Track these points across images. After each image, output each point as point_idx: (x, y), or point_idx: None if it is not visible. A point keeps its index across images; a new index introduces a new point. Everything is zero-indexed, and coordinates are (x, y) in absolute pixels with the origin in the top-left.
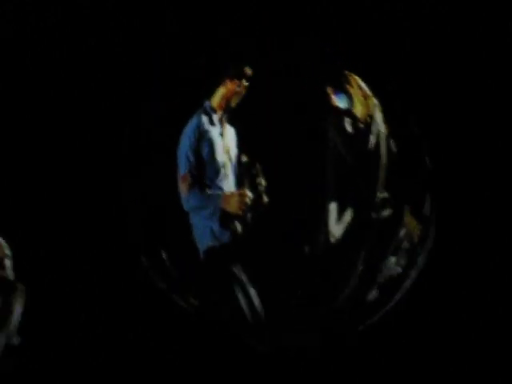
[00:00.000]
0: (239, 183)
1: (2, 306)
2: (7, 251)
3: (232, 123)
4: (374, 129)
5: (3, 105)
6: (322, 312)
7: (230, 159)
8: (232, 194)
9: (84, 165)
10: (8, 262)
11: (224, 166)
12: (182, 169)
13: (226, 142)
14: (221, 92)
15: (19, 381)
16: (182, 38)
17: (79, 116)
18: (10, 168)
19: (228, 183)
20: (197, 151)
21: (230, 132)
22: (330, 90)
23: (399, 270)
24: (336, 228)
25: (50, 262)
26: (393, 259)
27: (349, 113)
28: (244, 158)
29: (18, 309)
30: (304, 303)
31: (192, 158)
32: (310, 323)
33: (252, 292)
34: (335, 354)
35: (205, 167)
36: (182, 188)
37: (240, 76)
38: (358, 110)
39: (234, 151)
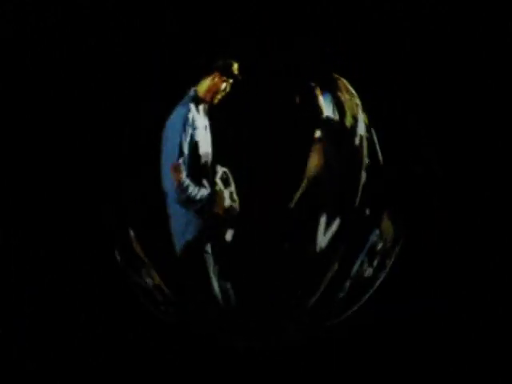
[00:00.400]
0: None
1: None
2: None
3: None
4: (357, 131)
5: (2, 104)
6: (295, 309)
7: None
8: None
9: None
10: None
11: (205, 164)
12: (174, 158)
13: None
14: (207, 83)
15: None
16: (181, 37)
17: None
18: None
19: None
20: (191, 141)
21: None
22: (318, 91)
23: (370, 271)
24: (322, 239)
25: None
26: (366, 261)
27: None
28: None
29: None
30: (279, 301)
31: (186, 148)
32: (282, 321)
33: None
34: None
35: (199, 158)
36: (174, 177)
37: (227, 72)
38: (345, 112)
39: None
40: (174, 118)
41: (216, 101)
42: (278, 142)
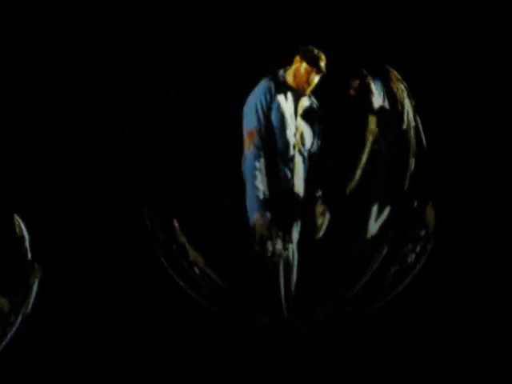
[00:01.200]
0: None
1: (21, 286)
2: (25, 232)
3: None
4: (405, 118)
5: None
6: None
7: (302, 150)
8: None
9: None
10: (27, 243)
11: (295, 149)
12: (250, 124)
13: (299, 125)
14: (292, 68)
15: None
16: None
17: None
18: (25, 151)
19: (297, 173)
20: (267, 114)
21: (308, 117)
22: (369, 79)
23: (413, 257)
24: (373, 226)
25: (65, 244)
26: (410, 247)
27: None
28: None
29: (34, 290)
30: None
31: (262, 119)
32: (330, 310)
33: (294, 273)
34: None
35: (274, 135)
36: (247, 142)
37: (310, 60)
38: (395, 100)
39: (308, 143)
40: (256, 92)
41: (307, 92)
42: (335, 130)
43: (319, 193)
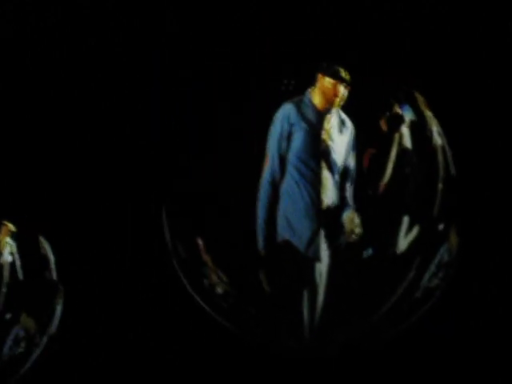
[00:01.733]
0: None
1: (47, 307)
2: (50, 253)
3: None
4: (434, 143)
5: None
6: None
7: (332, 160)
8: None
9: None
10: (52, 264)
11: (321, 165)
12: (270, 149)
13: (327, 140)
14: (317, 87)
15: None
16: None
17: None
18: (47, 173)
19: (326, 191)
20: (284, 139)
21: (338, 135)
22: (396, 107)
23: (436, 282)
24: (403, 241)
25: (89, 265)
26: (434, 271)
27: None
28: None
29: (58, 310)
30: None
31: (284, 145)
32: (353, 333)
33: (320, 298)
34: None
35: (287, 158)
36: (265, 168)
37: (332, 74)
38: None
39: (341, 154)
40: (280, 115)
41: (337, 104)
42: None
43: (349, 202)
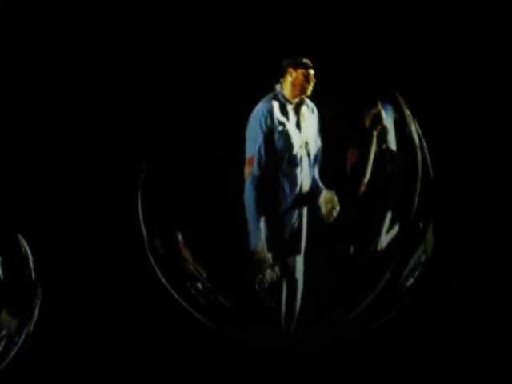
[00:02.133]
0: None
1: (26, 307)
2: (29, 252)
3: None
4: (413, 142)
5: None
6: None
7: (308, 153)
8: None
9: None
10: (31, 263)
11: (301, 160)
12: (250, 151)
13: (304, 134)
14: (288, 80)
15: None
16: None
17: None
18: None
19: (303, 176)
20: (270, 138)
21: (310, 123)
22: (379, 105)
23: (411, 281)
24: (384, 238)
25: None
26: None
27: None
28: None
29: (36, 310)
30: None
31: (263, 145)
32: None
33: (299, 290)
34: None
35: (276, 159)
36: (246, 171)
37: (302, 65)
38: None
39: (313, 143)
40: (256, 115)
41: (309, 93)
42: (345, 148)
43: (321, 186)
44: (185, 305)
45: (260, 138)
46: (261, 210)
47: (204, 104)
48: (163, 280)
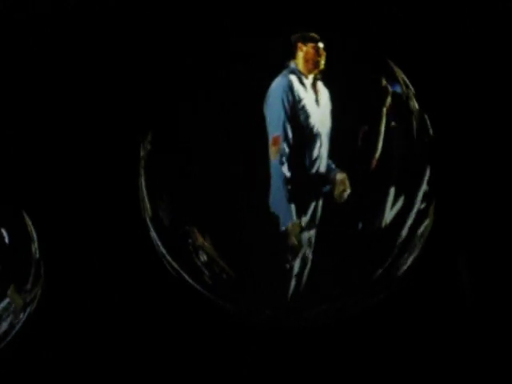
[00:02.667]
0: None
1: (30, 284)
2: (33, 232)
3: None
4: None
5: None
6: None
7: (326, 134)
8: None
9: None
10: (36, 242)
11: (320, 137)
12: (274, 130)
13: (321, 110)
14: (300, 56)
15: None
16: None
17: None
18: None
19: (322, 153)
20: (292, 116)
21: (325, 98)
22: (383, 81)
23: (410, 260)
24: (389, 214)
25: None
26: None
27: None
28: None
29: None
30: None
31: (287, 123)
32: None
33: (308, 266)
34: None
35: (302, 134)
36: (272, 151)
37: (310, 39)
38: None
39: (328, 119)
40: (275, 91)
41: (322, 67)
42: (355, 124)
43: (332, 165)
44: (188, 279)
45: (283, 115)
46: (292, 189)
47: (216, 86)
48: (165, 252)
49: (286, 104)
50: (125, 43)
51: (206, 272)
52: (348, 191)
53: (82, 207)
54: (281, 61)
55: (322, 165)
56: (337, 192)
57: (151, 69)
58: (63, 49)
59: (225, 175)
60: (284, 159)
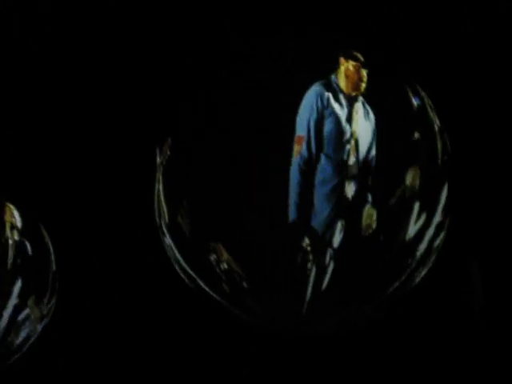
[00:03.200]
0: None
1: (48, 296)
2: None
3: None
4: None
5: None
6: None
7: (357, 150)
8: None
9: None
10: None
11: (348, 154)
12: (300, 131)
13: (354, 129)
14: (341, 71)
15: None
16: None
17: None
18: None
19: (349, 172)
20: (320, 121)
21: (363, 124)
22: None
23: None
24: (412, 228)
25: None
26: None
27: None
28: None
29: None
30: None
31: (313, 126)
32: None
33: (327, 276)
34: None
35: (322, 142)
36: (295, 149)
37: (352, 57)
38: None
39: (365, 144)
40: (309, 98)
41: (362, 90)
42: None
43: (369, 197)
44: (204, 286)
45: (311, 119)
46: (302, 191)
47: (257, 85)
48: (181, 259)
49: (315, 110)
50: (147, 51)
51: (224, 279)
52: (373, 227)
53: (96, 219)
54: (323, 70)
55: (349, 187)
56: (364, 224)
57: (172, 75)
58: (76, 61)
59: (245, 184)
60: (301, 160)
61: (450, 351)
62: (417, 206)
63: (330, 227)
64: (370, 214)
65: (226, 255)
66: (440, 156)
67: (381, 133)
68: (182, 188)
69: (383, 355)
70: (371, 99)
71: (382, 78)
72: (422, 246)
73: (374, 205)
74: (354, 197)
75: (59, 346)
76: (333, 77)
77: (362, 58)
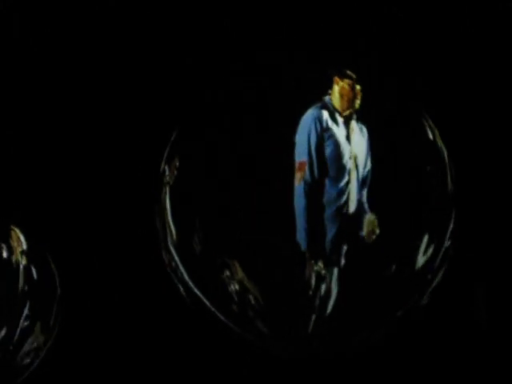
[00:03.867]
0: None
1: (53, 322)
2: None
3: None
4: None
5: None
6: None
7: (357, 168)
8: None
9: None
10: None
11: (349, 173)
12: (300, 155)
13: (353, 147)
14: (336, 90)
15: None
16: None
17: None
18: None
19: (351, 190)
20: (320, 145)
21: (359, 141)
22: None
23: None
24: (421, 259)
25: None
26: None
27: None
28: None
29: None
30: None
31: (314, 150)
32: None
33: (331, 300)
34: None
35: (325, 166)
36: (298, 176)
37: (347, 75)
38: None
39: (362, 161)
40: (306, 121)
41: (357, 106)
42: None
43: (366, 207)
44: (211, 307)
45: (311, 144)
46: (310, 216)
47: (252, 110)
48: (189, 280)
49: (314, 133)
50: (162, 60)
51: (236, 300)
52: (377, 232)
53: (99, 242)
54: (316, 92)
55: (352, 204)
56: (366, 232)
57: (178, 89)
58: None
59: (252, 204)
60: (306, 186)
61: (455, 372)
62: (426, 238)
63: (337, 248)
64: (370, 221)
65: (240, 273)
66: (449, 183)
67: (375, 146)
68: (193, 207)
69: (387, 378)
70: (363, 115)
71: (374, 93)
72: (430, 276)
73: (373, 212)
74: (354, 213)
75: (62, 367)
76: (327, 98)
77: (354, 76)
